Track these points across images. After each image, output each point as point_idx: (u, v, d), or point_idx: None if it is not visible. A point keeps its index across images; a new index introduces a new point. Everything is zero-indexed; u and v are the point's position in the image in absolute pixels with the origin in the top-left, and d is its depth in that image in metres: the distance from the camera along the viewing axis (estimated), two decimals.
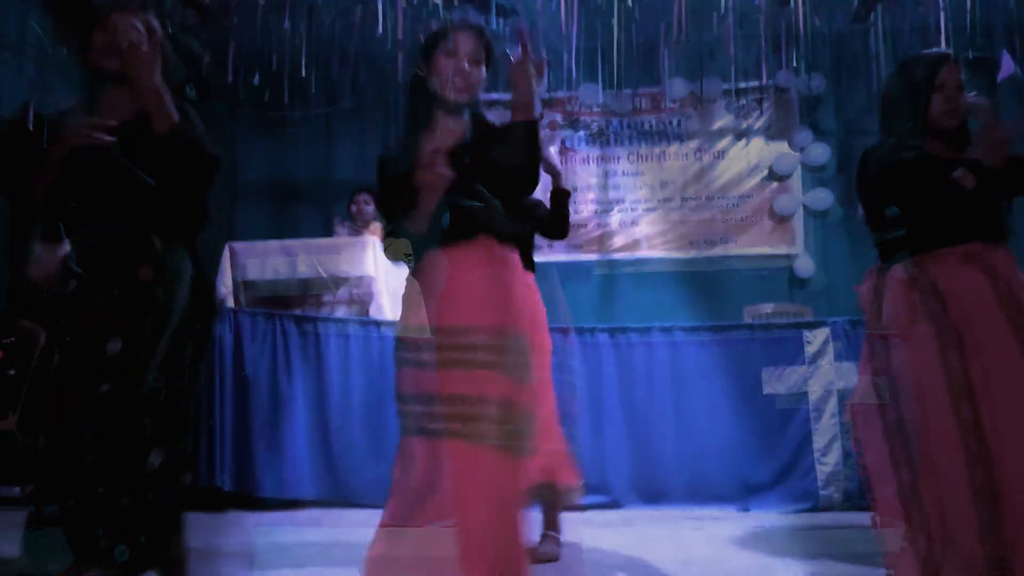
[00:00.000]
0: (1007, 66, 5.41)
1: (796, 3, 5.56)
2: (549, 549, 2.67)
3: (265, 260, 4.07)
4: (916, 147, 2.01)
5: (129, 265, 1.79)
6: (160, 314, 1.78)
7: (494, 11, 5.89)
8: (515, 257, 1.83)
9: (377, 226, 4.87)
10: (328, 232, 5.35)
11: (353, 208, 4.88)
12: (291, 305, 4.11)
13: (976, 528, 1.81)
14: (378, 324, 3.86)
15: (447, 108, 1.83)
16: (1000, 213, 2.04)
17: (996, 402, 1.85)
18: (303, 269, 4.04)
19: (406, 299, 1.84)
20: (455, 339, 1.72)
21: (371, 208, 4.88)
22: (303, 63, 5.88)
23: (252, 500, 3.61)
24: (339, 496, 3.66)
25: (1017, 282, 1.93)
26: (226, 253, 4.08)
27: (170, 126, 1.79)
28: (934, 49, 2.17)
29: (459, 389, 1.69)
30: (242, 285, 4.10)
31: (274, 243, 4.12)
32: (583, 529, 3.07)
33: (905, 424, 1.94)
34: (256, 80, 5.93)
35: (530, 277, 1.90)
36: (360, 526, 3.20)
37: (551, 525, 2.76)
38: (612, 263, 6.30)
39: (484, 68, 1.86)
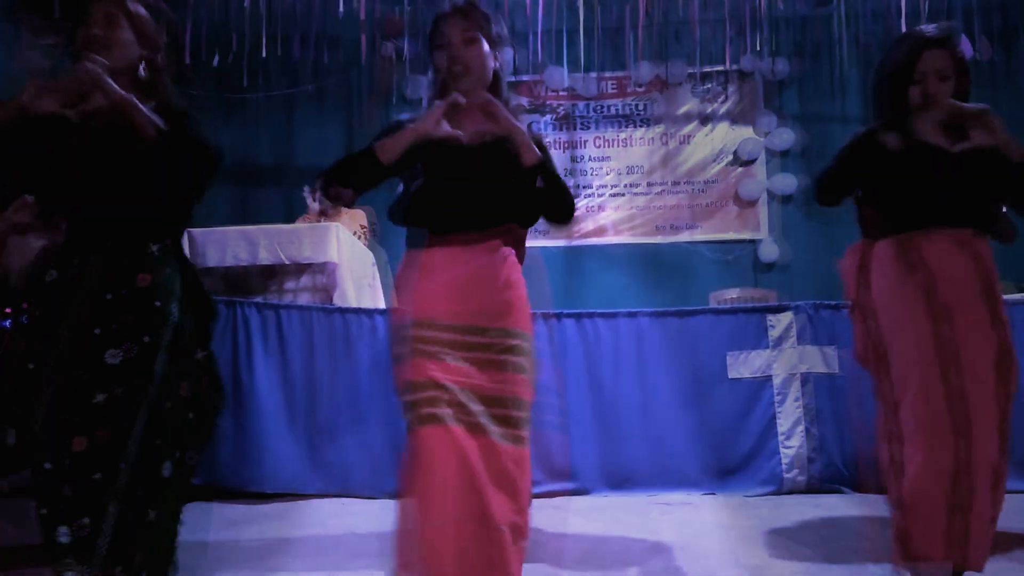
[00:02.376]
0: (966, 49, 5.49)
1: None
2: None
3: (225, 247, 3.98)
4: (904, 133, 2.00)
5: (126, 272, 1.72)
6: (159, 322, 1.71)
7: None
8: (505, 251, 1.83)
9: (347, 211, 4.80)
10: (289, 216, 5.26)
11: (318, 195, 4.79)
12: (252, 292, 4.03)
13: (946, 505, 1.87)
14: (342, 311, 3.80)
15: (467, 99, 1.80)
16: (989, 204, 2.05)
17: (977, 379, 1.90)
18: (264, 255, 3.95)
19: (400, 289, 1.84)
20: (447, 334, 1.73)
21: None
22: (263, 43, 5.76)
23: (217, 492, 3.54)
24: (306, 485, 3.60)
25: (994, 272, 1.98)
26: (185, 240, 3.97)
27: (152, 136, 1.71)
28: (921, 29, 2.06)
29: (461, 380, 1.71)
30: (201, 272, 4.00)
31: (234, 229, 4.02)
32: (551, 516, 3.07)
33: (894, 393, 1.98)
34: (215, 60, 5.79)
35: (519, 271, 1.88)
36: (329, 515, 3.19)
37: None
38: (578, 249, 6.31)
39: (484, 43, 1.84)
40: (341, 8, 5.41)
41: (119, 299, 1.70)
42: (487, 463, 1.67)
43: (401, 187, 2.02)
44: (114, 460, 1.63)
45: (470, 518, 1.63)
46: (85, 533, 1.60)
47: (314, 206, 4.82)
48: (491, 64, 1.85)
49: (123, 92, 1.70)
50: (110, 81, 1.68)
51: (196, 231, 4.03)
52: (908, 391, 1.93)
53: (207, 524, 3.09)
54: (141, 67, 1.83)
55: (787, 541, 2.74)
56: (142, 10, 1.84)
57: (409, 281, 1.81)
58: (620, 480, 3.63)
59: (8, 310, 3.58)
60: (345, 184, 1.80)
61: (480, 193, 1.81)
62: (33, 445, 1.64)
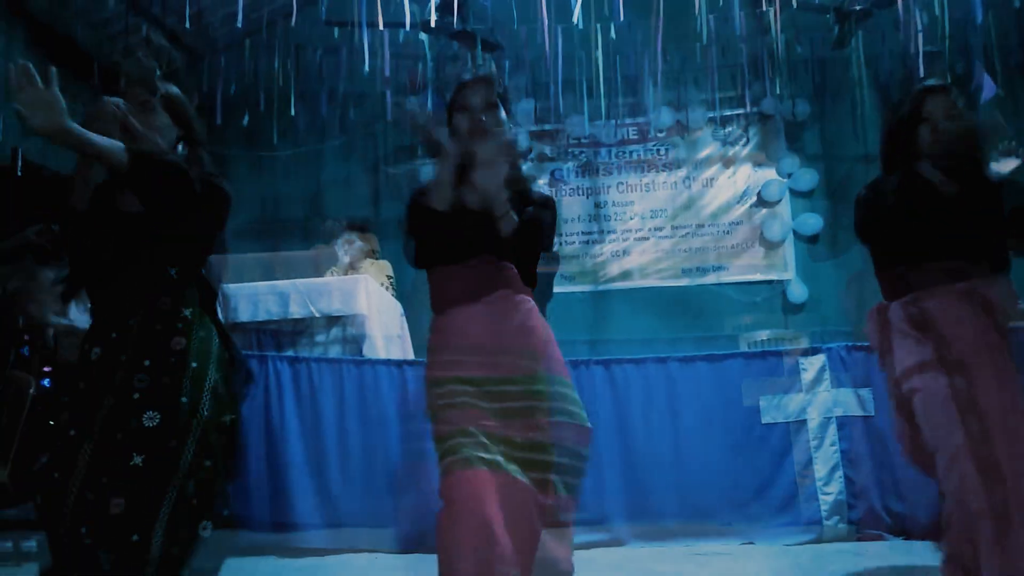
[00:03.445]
0: (988, 88, 5.46)
1: (777, 31, 5.65)
2: None
3: (256, 302, 4.04)
4: (913, 177, 2.02)
5: (161, 336, 1.76)
6: (196, 384, 1.75)
7: (479, 47, 5.95)
8: (518, 298, 1.89)
9: (367, 263, 4.87)
10: (318, 271, 5.34)
11: (346, 245, 4.86)
12: (284, 346, 4.08)
13: (992, 541, 1.83)
14: (372, 363, 3.82)
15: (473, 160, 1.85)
16: (999, 241, 2.05)
17: (1001, 421, 1.87)
18: (295, 309, 4.01)
19: (432, 343, 1.93)
20: (472, 387, 1.80)
21: (359, 245, 4.87)
22: (291, 102, 5.93)
23: (250, 547, 3.53)
24: (339, 540, 3.58)
25: (1012, 311, 1.96)
26: (219, 300, 4.05)
27: (186, 180, 1.76)
28: (926, 82, 2.13)
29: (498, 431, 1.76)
30: (234, 327, 4.06)
31: (265, 284, 4.09)
32: (584, 568, 3.02)
33: (927, 447, 1.96)
34: (245, 120, 5.96)
35: (536, 316, 1.91)
36: (360, 570, 3.16)
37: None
38: (605, 293, 6.31)
39: (502, 111, 1.94)
40: (367, 66, 5.56)
41: (155, 364, 1.74)
42: (511, 505, 1.70)
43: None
44: (151, 522, 1.64)
45: (487, 560, 1.65)
46: None
47: (344, 259, 4.88)
48: (507, 129, 1.95)
49: (145, 131, 1.76)
50: (134, 121, 1.74)
51: (228, 287, 4.10)
52: (937, 449, 1.91)
53: None
54: (180, 147, 1.89)
55: None
56: (175, 90, 1.90)
57: (433, 344, 1.90)
58: (654, 531, 3.56)
59: (47, 369, 3.64)
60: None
61: (461, 225, 1.85)
62: (57, 508, 1.65)
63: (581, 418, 1.87)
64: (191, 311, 1.83)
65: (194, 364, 1.76)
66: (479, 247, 1.87)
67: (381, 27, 5.47)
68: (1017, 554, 1.82)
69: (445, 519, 1.72)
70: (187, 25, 5.58)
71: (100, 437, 1.67)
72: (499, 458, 1.72)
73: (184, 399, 1.72)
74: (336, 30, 5.87)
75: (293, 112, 5.95)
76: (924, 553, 2.46)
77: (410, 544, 3.41)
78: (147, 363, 1.73)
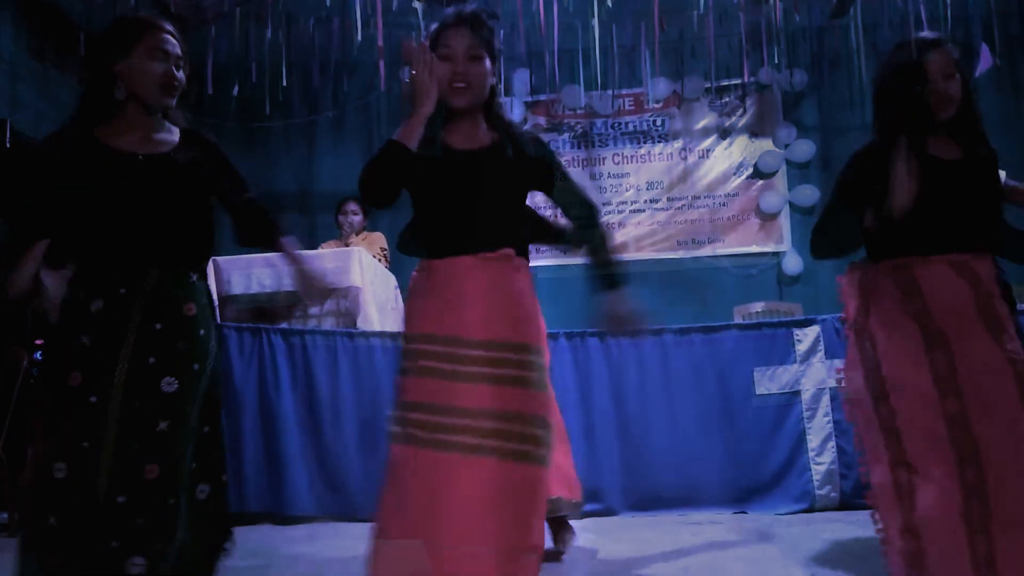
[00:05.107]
0: (986, 59, 5.38)
1: (775, 0, 5.58)
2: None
3: (250, 274, 4.02)
4: (914, 144, 1.96)
5: (175, 301, 1.76)
6: (205, 351, 1.78)
7: None
8: (519, 262, 1.77)
9: (365, 235, 4.84)
10: (312, 243, 5.31)
11: (340, 218, 4.84)
12: (277, 319, 4.07)
13: (965, 530, 1.81)
14: (366, 335, 3.82)
15: (458, 113, 1.77)
16: (994, 223, 2.01)
17: (983, 403, 1.84)
18: (288, 282, 3.98)
19: (409, 305, 1.80)
20: (458, 349, 1.66)
21: (359, 218, 4.85)
22: (283, 73, 5.85)
23: (245, 516, 3.55)
24: (333, 510, 3.61)
25: (996, 293, 1.93)
26: (210, 268, 4.02)
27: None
28: (922, 34, 2.05)
29: (462, 402, 1.62)
30: (227, 300, 4.05)
31: (258, 256, 4.06)
32: (580, 538, 3.04)
33: (895, 420, 1.93)
34: (236, 91, 5.89)
35: (531, 282, 1.83)
36: (355, 539, 3.18)
37: (558, 540, 2.77)
38: None
39: (487, 61, 1.77)
40: (359, 35, 5.49)
41: (168, 328, 1.74)
42: (483, 486, 1.59)
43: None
44: (178, 485, 1.69)
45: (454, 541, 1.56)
46: (158, 560, 1.63)
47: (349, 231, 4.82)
48: (490, 81, 1.79)
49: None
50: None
51: (221, 259, 4.08)
52: (908, 420, 1.88)
53: (236, 549, 3.09)
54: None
55: (821, 560, 2.69)
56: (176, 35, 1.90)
57: (417, 293, 1.76)
58: (647, 500, 3.60)
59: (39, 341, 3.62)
60: (382, 185, 1.73)
61: (471, 216, 1.74)
62: (85, 481, 1.64)
63: (546, 397, 1.78)
64: (196, 276, 1.85)
65: (202, 331, 1.79)
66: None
67: None
68: (999, 532, 1.82)
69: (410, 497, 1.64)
70: None
71: (124, 403, 1.66)
72: (479, 440, 1.61)
73: (196, 365, 1.74)
74: None
75: (285, 83, 5.88)
76: None
77: None
78: (158, 326, 1.73)
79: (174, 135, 1.90)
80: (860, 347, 2.03)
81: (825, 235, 2.05)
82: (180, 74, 1.84)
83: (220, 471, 1.83)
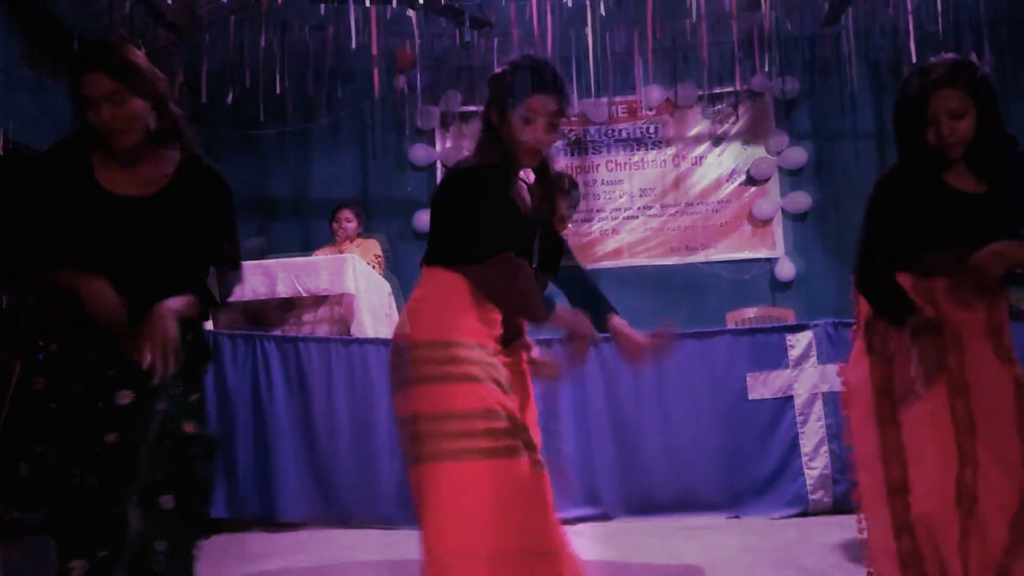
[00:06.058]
0: None
1: (767, 7, 5.62)
2: None
3: (243, 280, 4.02)
4: (928, 175, 1.94)
5: (135, 318, 1.72)
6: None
7: (467, 23, 5.90)
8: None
9: (359, 242, 4.85)
10: (307, 249, 5.31)
11: (335, 225, 4.85)
12: (272, 325, 4.06)
13: (958, 527, 1.83)
14: (360, 342, 3.82)
15: (518, 165, 1.79)
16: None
17: (988, 406, 1.87)
18: (282, 288, 3.99)
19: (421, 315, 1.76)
20: (455, 352, 1.66)
21: (353, 225, 4.85)
22: (278, 80, 5.86)
23: (238, 522, 3.55)
24: (327, 517, 3.61)
25: (1006, 321, 1.95)
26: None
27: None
28: (929, 66, 1.91)
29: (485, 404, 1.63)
30: (221, 307, 4.04)
31: (252, 263, 4.06)
32: (575, 543, 3.04)
33: (898, 413, 1.93)
34: (230, 98, 5.89)
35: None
36: (348, 548, 3.18)
37: None
38: (593, 272, 6.28)
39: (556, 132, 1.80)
40: (354, 43, 5.50)
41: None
42: (539, 492, 1.64)
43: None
44: (125, 496, 1.66)
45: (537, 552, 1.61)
46: (103, 565, 1.62)
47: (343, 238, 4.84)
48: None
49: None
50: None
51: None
52: (915, 417, 1.89)
53: (228, 557, 3.09)
54: (150, 120, 1.79)
55: (814, 564, 2.70)
56: (140, 60, 1.79)
57: (439, 301, 1.72)
58: (642, 505, 3.60)
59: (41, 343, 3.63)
60: None
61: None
62: (47, 483, 1.67)
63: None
64: (164, 294, 1.77)
65: None
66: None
67: (368, 3, 5.41)
68: (992, 541, 1.83)
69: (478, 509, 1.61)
70: (170, 1, 5.50)
71: (78, 413, 1.67)
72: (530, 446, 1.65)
73: (155, 380, 1.70)
74: (323, 6, 5.80)
75: (279, 90, 5.89)
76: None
77: (398, 521, 3.43)
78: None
79: (170, 166, 1.82)
80: (869, 342, 2.03)
81: (869, 289, 2.01)
82: (115, 110, 1.71)
83: (192, 482, 1.79)
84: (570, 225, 2.03)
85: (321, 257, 4.40)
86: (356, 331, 3.98)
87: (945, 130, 1.84)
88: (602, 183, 6.48)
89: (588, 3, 5.57)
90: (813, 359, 3.67)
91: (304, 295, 4.00)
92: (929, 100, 1.85)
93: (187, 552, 1.81)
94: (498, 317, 1.73)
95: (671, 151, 6.47)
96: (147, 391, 1.70)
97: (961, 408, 1.86)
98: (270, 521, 3.59)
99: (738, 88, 6.20)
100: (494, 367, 1.67)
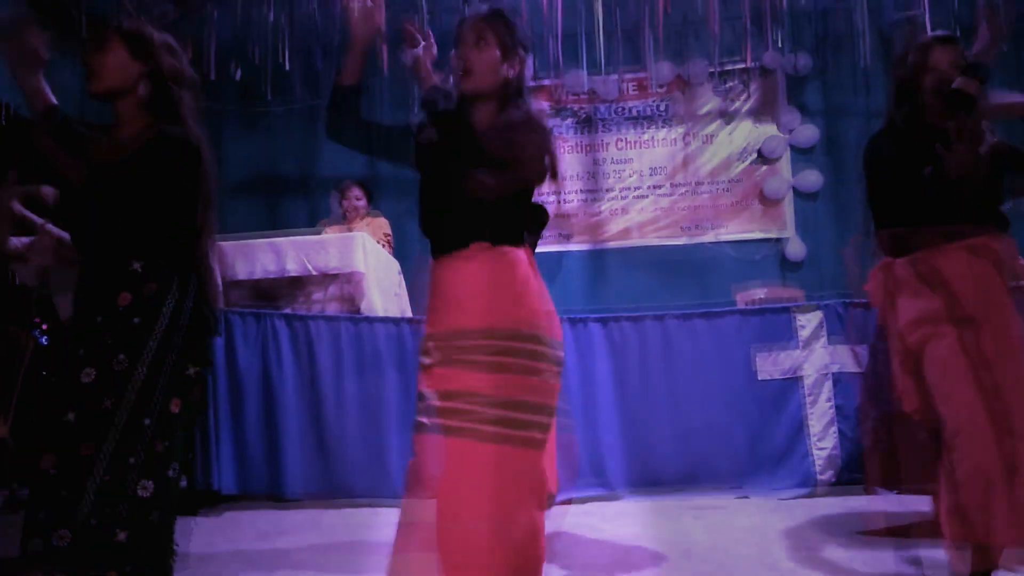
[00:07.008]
0: (983, 39, 5.39)
1: None
2: None
3: (253, 258, 4.02)
4: (914, 134, 1.99)
5: (108, 291, 1.73)
6: (138, 340, 1.71)
7: None
8: (516, 253, 1.78)
9: (368, 220, 4.84)
10: (314, 225, 5.31)
11: (344, 203, 4.83)
12: (281, 303, 4.07)
13: (1006, 500, 1.86)
14: (369, 320, 3.83)
15: (469, 99, 1.82)
16: (999, 202, 2.04)
17: (1009, 377, 1.89)
18: (292, 266, 3.99)
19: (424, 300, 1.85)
20: (455, 341, 1.72)
21: (362, 203, 4.84)
22: (285, 55, 5.82)
23: (247, 499, 3.58)
24: (335, 494, 3.63)
25: (1017, 268, 1.97)
26: (215, 252, 4.02)
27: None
28: (936, 32, 2.13)
29: (459, 386, 1.70)
30: (231, 285, 4.05)
31: (261, 241, 4.06)
32: (582, 522, 3.07)
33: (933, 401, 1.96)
34: (238, 74, 5.86)
35: (532, 271, 1.84)
36: (358, 525, 3.21)
37: None
38: (603, 252, 6.28)
39: (496, 49, 1.81)
40: None
41: (105, 319, 1.72)
42: (498, 471, 1.67)
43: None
44: (82, 478, 1.63)
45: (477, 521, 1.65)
46: (63, 544, 1.61)
47: (338, 210, 4.87)
48: (501, 71, 1.81)
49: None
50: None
51: (225, 244, 4.08)
52: (946, 400, 1.92)
53: (239, 533, 3.13)
54: (141, 85, 1.82)
55: (822, 543, 2.71)
56: (144, 28, 1.84)
57: (427, 292, 1.82)
58: (651, 485, 3.61)
59: (45, 326, 3.65)
60: (339, 127, 1.89)
61: (457, 210, 1.77)
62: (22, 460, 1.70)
63: (550, 382, 1.80)
64: (142, 264, 1.76)
65: (137, 319, 1.72)
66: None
67: None
68: None
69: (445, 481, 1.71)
70: None
71: (45, 391, 1.69)
72: (490, 427, 1.68)
73: (122, 355, 1.69)
74: None
75: (287, 67, 5.85)
76: (916, 505, 2.50)
77: None
78: (99, 319, 1.72)
79: (147, 138, 1.82)
80: (893, 341, 2.08)
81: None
82: (96, 55, 1.80)
83: (164, 465, 1.73)
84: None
85: (331, 235, 4.39)
86: (365, 309, 3.98)
87: (945, 77, 2.00)
88: (611, 162, 6.44)
89: None
90: (823, 339, 3.66)
91: (314, 273, 3.99)
92: (932, 50, 2.06)
93: (165, 537, 1.76)
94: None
95: (681, 129, 6.41)
96: (109, 369, 1.67)
97: (986, 377, 1.90)
98: (279, 498, 3.62)
99: (749, 64, 6.12)
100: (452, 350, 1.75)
